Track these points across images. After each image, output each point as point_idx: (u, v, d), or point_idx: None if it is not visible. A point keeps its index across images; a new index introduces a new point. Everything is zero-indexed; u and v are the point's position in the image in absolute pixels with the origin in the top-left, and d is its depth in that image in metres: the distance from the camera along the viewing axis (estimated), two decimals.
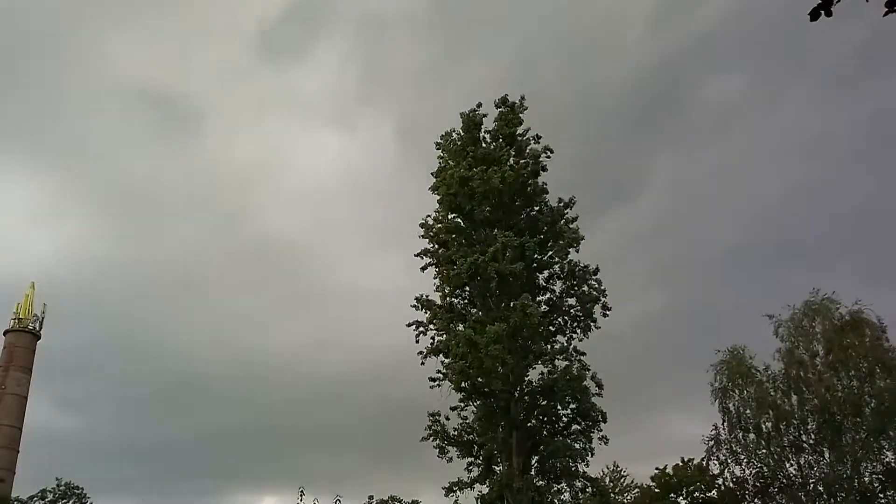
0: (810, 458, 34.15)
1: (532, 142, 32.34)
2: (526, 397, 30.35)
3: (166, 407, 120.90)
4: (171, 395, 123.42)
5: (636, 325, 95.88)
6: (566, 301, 31.44)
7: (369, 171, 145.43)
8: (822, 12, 6.78)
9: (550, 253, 31.42)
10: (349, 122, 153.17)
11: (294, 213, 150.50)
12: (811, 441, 34.27)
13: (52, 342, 68.94)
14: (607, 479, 39.67)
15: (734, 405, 35.99)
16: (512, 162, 31.83)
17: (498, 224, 31.51)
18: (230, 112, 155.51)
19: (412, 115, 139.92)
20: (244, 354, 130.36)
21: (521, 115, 32.76)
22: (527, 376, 30.31)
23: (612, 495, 37.61)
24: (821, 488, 33.49)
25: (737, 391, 36.11)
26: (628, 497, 40.50)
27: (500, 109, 32.92)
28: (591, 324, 30.97)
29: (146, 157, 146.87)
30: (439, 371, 30.53)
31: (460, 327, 30.22)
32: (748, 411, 35.66)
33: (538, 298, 30.85)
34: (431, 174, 32.89)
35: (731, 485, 35.57)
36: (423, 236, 32.47)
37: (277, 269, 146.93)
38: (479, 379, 29.01)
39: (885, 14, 6.57)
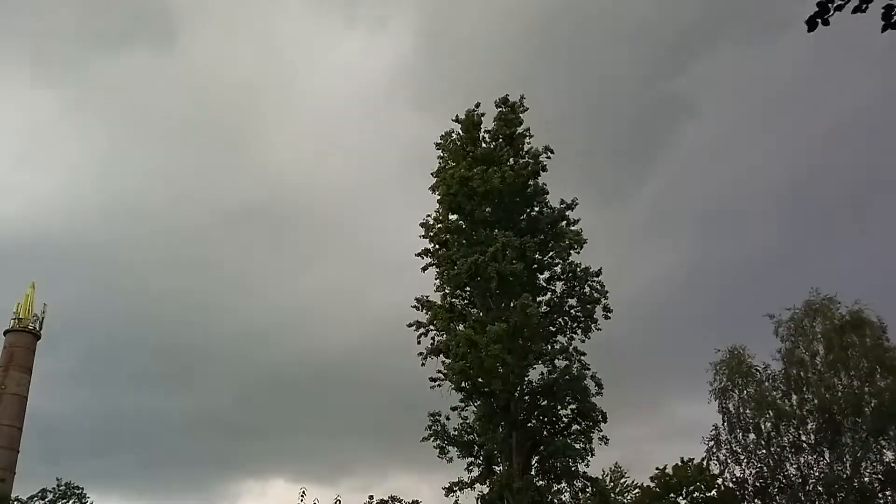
0: (810, 458, 34.23)
1: (529, 136, 32.39)
2: (526, 397, 30.38)
3: (161, 383, 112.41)
4: (164, 368, 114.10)
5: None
6: (567, 301, 31.47)
7: (386, 82, 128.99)
8: (819, 21, 6.79)
9: (551, 253, 31.44)
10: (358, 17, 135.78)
11: (300, 146, 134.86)
12: (811, 441, 34.33)
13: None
14: (607, 479, 39.63)
15: (734, 405, 36.04)
16: (512, 162, 31.86)
17: (498, 224, 31.52)
18: (221, 12, 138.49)
19: (434, 20, 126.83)
20: (245, 320, 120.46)
21: (520, 114, 32.78)
22: (527, 376, 30.33)
23: (612, 495, 37.58)
24: (820, 488, 33.54)
25: (736, 391, 36.15)
26: (628, 497, 40.49)
27: (499, 109, 32.92)
28: (592, 325, 31.01)
29: (133, 68, 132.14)
30: (439, 371, 30.57)
31: (460, 327, 30.23)
32: (748, 411, 35.70)
33: (539, 299, 30.86)
34: (431, 174, 32.92)
35: (731, 485, 35.61)
36: (423, 236, 32.51)
37: (281, 217, 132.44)
38: (480, 379, 29.04)
39: (884, 30, 6.61)
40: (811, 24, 6.80)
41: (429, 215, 32.74)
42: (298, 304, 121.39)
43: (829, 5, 6.75)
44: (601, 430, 30.05)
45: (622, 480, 41.46)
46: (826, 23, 6.80)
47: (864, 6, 6.73)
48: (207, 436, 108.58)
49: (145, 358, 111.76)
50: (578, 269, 31.23)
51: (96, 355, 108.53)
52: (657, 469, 37.45)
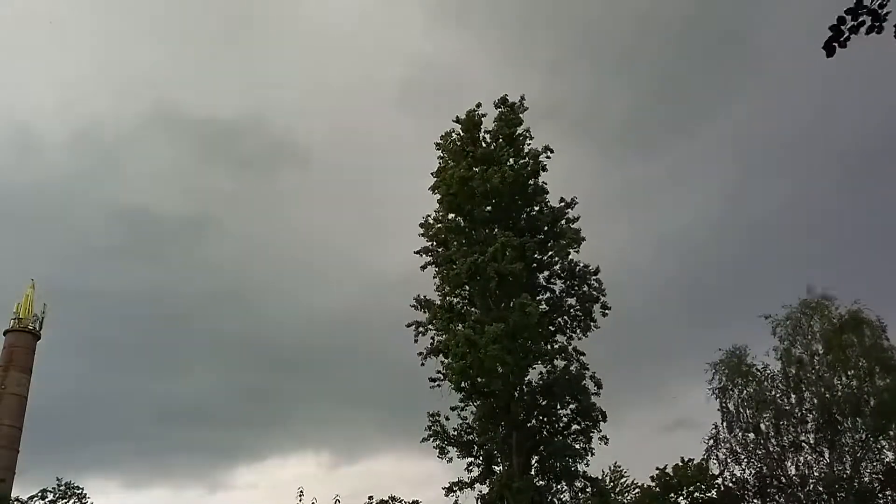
0: (809, 457, 34.22)
1: (530, 137, 32.42)
2: (526, 397, 30.40)
3: (155, 359, 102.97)
4: (157, 340, 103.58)
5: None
6: (566, 301, 31.50)
7: None
8: (836, 45, 6.77)
9: (551, 253, 31.48)
10: None
11: (297, 60, 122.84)
12: (810, 441, 34.32)
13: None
14: (607, 480, 39.62)
15: (733, 405, 36.04)
16: (512, 162, 31.88)
17: (498, 224, 31.56)
18: None
19: None
20: (239, 278, 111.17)
21: (520, 115, 32.82)
22: (527, 376, 30.37)
23: (612, 495, 37.58)
24: (820, 488, 33.52)
25: (736, 390, 36.16)
26: (628, 497, 40.50)
27: (499, 109, 32.96)
28: (591, 324, 31.07)
29: None
30: (439, 371, 30.59)
31: (460, 327, 30.23)
32: (747, 411, 35.71)
33: (538, 298, 30.88)
34: (431, 174, 32.96)
35: (731, 485, 35.60)
36: (422, 235, 32.56)
37: (273, 141, 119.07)
38: (479, 379, 29.04)
39: None
40: (829, 50, 6.78)
41: (428, 215, 32.82)
42: (292, 258, 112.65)
43: (843, 28, 6.72)
44: (601, 430, 30.13)
45: (622, 480, 41.48)
46: (843, 45, 6.79)
47: (879, 25, 6.69)
48: (207, 419, 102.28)
49: (139, 326, 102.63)
50: (577, 269, 31.29)
51: (90, 326, 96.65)
52: (657, 469, 37.46)
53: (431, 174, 32.86)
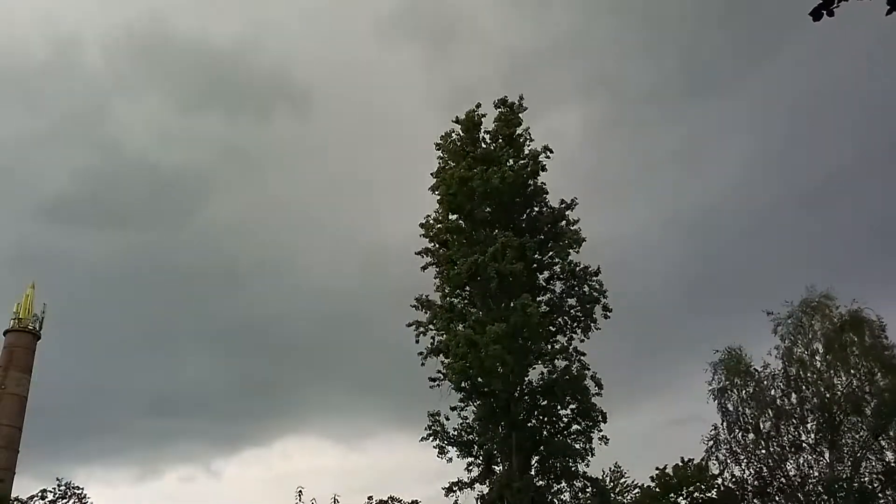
0: (810, 457, 34.15)
1: (529, 139, 32.43)
2: (526, 397, 30.42)
3: (151, 340, 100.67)
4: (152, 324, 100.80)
5: None
6: (567, 301, 31.52)
7: None
8: (824, 12, 6.75)
9: (551, 253, 31.50)
10: None
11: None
12: (810, 440, 34.27)
13: None
14: (607, 480, 39.59)
15: (733, 405, 36.01)
16: (511, 162, 31.89)
17: (498, 224, 31.59)
18: None
19: None
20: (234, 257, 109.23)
21: (520, 115, 32.83)
22: (527, 376, 30.38)
23: (612, 495, 37.57)
24: (820, 488, 33.47)
25: (735, 390, 36.12)
26: (628, 497, 40.46)
27: (499, 110, 32.98)
28: (592, 324, 31.07)
29: None
30: (439, 371, 30.59)
31: (460, 327, 30.25)
32: (747, 410, 35.68)
33: (538, 298, 30.90)
34: (431, 174, 32.97)
35: (731, 485, 35.57)
36: (423, 236, 32.56)
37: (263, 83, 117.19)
38: (479, 379, 29.07)
39: (888, 13, 6.55)
40: (816, 15, 6.74)
41: (428, 215, 32.83)
42: (291, 224, 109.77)
43: None
44: (601, 430, 30.14)
45: (622, 480, 41.43)
46: (831, 13, 6.76)
47: None
48: (208, 408, 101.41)
49: (131, 302, 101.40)
50: (578, 269, 31.30)
51: (79, 311, 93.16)
52: (657, 469, 37.43)
53: (431, 174, 32.92)
